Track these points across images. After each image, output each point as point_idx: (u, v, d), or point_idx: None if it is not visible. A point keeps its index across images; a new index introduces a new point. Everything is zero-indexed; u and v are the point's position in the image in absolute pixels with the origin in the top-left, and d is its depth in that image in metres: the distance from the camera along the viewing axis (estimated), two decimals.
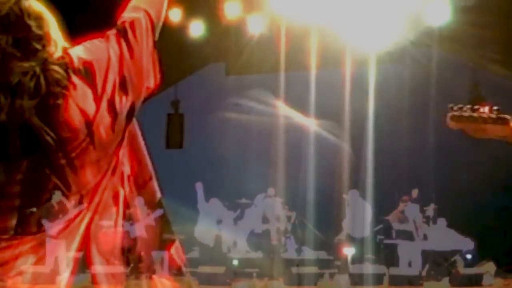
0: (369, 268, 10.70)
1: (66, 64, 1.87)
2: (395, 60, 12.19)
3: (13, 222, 1.83)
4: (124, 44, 1.96)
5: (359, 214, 11.79)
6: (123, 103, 1.93)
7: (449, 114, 2.46)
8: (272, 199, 12.37)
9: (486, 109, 2.43)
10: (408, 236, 11.33)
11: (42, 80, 1.80)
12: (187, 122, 13.17)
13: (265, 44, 11.96)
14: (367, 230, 11.65)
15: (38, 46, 1.83)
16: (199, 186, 12.72)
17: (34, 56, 1.82)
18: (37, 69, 1.80)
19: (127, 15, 2.03)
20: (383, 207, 12.00)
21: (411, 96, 12.30)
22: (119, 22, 2.02)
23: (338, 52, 11.68)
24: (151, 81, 2.01)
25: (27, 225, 1.85)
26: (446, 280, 10.57)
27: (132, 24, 2.00)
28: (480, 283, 10.31)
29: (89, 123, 1.86)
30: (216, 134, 13.05)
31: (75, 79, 1.86)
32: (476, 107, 2.44)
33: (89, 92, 1.87)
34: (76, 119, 1.84)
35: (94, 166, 1.91)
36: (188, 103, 13.12)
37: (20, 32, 1.82)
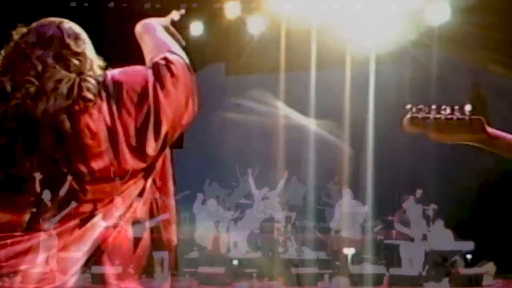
0: (369, 268, 10.70)
1: (99, 78, 2.06)
2: (395, 60, 12.19)
3: (26, 217, 1.94)
4: (161, 77, 2.08)
5: (359, 214, 11.79)
6: (154, 131, 2.02)
7: (408, 116, 2.06)
8: (271, 199, 12.37)
9: (456, 109, 2.03)
10: (410, 235, 11.33)
11: (75, 86, 2.00)
12: None
13: (265, 44, 11.96)
14: (367, 230, 11.65)
15: (75, 62, 2.05)
16: (199, 197, 12.69)
17: (71, 68, 2.04)
18: (72, 76, 2.02)
19: (163, 53, 2.17)
20: (383, 207, 11.99)
21: (411, 96, 12.28)
22: (156, 58, 2.15)
23: (338, 52, 11.68)
24: (189, 114, 2.13)
25: (38, 222, 1.94)
26: (446, 280, 10.57)
27: (168, 60, 2.12)
28: (480, 283, 10.31)
29: (113, 138, 1.99)
30: (216, 134, 13.06)
31: (102, 92, 2.03)
32: (443, 107, 2.03)
33: (114, 108, 2.01)
34: (100, 128, 1.98)
35: (113, 182, 2.00)
36: None
37: (60, 49, 2.06)
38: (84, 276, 1.96)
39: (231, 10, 11.40)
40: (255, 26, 11.83)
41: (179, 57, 2.17)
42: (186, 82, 2.12)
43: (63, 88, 1.98)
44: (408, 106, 2.06)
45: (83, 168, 1.96)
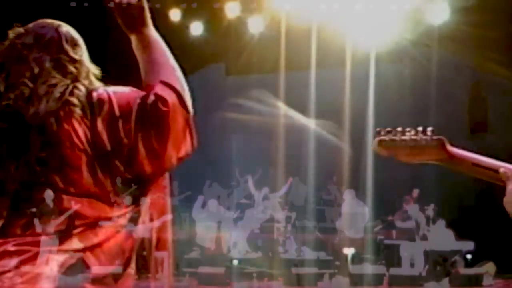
0: (369, 268, 10.70)
1: (90, 87, 2.03)
2: (395, 60, 12.20)
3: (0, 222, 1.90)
4: (145, 118, 1.97)
5: (358, 214, 11.79)
6: (133, 161, 1.96)
7: (376, 139, 2.20)
8: (271, 199, 12.38)
9: (419, 131, 2.16)
10: (410, 235, 11.33)
11: (67, 91, 1.98)
12: None
13: (265, 44, 11.96)
14: (367, 230, 11.66)
15: (72, 69, 2.04)
16: (200, 199, 12.68)
17: (66, 75, 2.02)
18: (67, 82, 2.00)
19: (156, 87, 2.04)
20: (383, 207, 11.99)
21: (411, 96, 12.29)
22: (148, 91, 2.03)
23: (338, 52, 11.68)
24: (186, 149, 2.04)
25: (12, 226, 1.90)
26: (446, 280, 10.57)
27: (158, 97, 1.99)
28: (480, 283, 10.31)
29: (92, 155, 1.95)
30: (216, 134, 13.05)
31: (86, 107, 1.98)
32: (407, 129, 2.17)
33: (93, 125, 1.96)
34: (80, 141, 1.94)
35: (90, 199, 1.95)
36: None
37: (58, 54, 2.04)
38: (84, 276, 1.95)
39: (231, 10, 11.40)
40: (255, 26, 11.83)
41: (171, 91, 2.02)
42: (175, 120, 1.99)
43: (56, 93, 1.96)
44: (378, 130, 2.21)
45: (58, 178, 1.92)
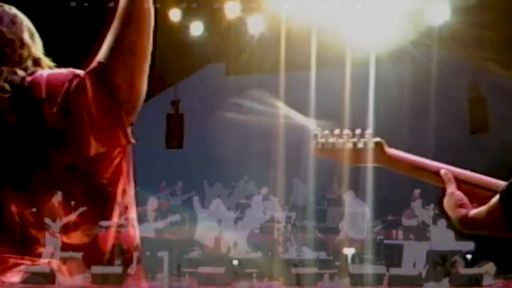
0: (369, 268, 10.70)
1: (29, 72, 1.91)
2: (395, 60, 12.19)
3: None
4: (72, 99, 1.84)
5: (358, 214, 11.79)
6: (60, 148, 1.85)
7: (313, 143, 2.21)
8: (272, 199, 12.38)
9: (358, 133, 2.13)
10: (416, 234, 11.36)
11: (1, 78, 1.86)
12: (187, 122, 13.17)
13: (265, 44, 11.96)
14: (367, 231, 11.66)
15: (9, 51, 1.91)
16: (196, 199, 12.69)
17: (3, 60, 1.90)
18: (5, 70, 1.88)
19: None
20: (383, 207, 11.99)
21: (411, 96, 12.29)
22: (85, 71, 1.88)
23: (338, 52, 11.68)
24: (104, 143, 1.88)
25: None
26: (446, 280, 10.57)
27: (82, 83, 1.85)
28: (480, 283, 10.31)
29: (27, 140, 1.84)
30: (216, 134, 13.05)
31: (18, 92, 1.87)
32: (346, 132, 2.14)
33: (23, 111, 1.86)
34: (18, 126, 1.84)
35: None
36: (188, 103, 13.12)
37: None
38: (84, 276, 1.95)
39: (231, 10, 11.40)
40: (255, 26, 11.84)
41: (99, 78, 1.82)
42: (96, 111, 1.81)
43: None
44: (315, 133, 2.21)
45: (6, 175, 1.84)
